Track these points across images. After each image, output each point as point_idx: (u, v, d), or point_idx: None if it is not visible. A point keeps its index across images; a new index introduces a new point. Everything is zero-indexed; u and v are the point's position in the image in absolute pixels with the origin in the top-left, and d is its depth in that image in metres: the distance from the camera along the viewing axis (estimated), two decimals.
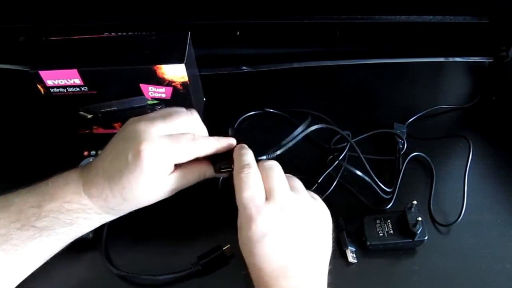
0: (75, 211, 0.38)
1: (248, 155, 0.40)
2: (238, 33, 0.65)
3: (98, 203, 0.39)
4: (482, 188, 0.51)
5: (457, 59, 0.68)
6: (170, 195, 0.42)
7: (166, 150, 0.38)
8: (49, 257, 0.40)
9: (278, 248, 0.36)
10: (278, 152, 0.46)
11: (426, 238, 0.44)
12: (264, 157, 0.43)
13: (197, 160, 0.41)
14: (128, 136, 0.39)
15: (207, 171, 0.43)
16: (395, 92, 0.64)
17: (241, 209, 0.37)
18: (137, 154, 0.37)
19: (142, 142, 0.37)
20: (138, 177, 0.38)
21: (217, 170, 0.42)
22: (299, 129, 0.50)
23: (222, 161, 0.42)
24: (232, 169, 0.41)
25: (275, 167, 0.40)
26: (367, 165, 0.50)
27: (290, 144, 0.49)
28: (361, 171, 0.49)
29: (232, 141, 0.43)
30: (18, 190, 0.39)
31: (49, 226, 0.38)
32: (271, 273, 0.35)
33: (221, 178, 0.52)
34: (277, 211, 0.36)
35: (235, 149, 0.42)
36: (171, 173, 0.40)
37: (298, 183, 0.41)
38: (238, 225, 0.38)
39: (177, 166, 0.41)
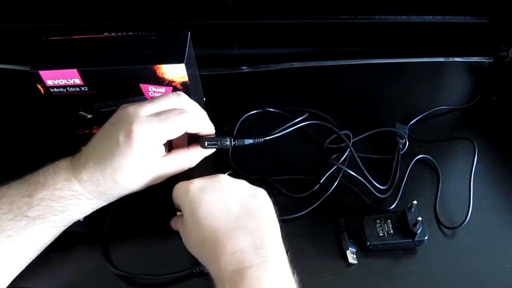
0: (66, 198, 0.39)
1: None
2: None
3: (89, 188, 0.39)
4: (482, 188, 0.51)
5: (457, 59, 0.68)
6: (160, 180, 0.43)
7: (156, 128, 0.39)
8: (44, 246, 0.40)
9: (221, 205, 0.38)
10: (266, 138, 0.47)
11: (426, 238, 0.44)
12: (251, 141, 0.46)
13: (187, 145, 0.44)
14: (117, 121, 0.40)
15: (197, 155, 0.45)
16: (395, 93, 0.63)
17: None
18: (128, 135, 0.38)
19: (132, 123, 0.38)
20: (129, 158, 0.38)
21: (203, 146, 0.43)
22: (293, 121, 0.51)
23: (208, 136, 0.44)
24: (218, 145, 0.43)
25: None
26: (360, 164, 0.50)
27: (280, 133, 0.50)
28: (358, 171, 0.49)
29: (211, 128, 0.46)
30: (9, 183, 0.40)
31: (41, 215, 0.38)
32: (224, 231, 0.36)
33: None
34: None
35: None
36: (163, 156, 0.41)
37: None
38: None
39: (169, 151, 0.42)
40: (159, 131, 0.40)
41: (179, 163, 0.43)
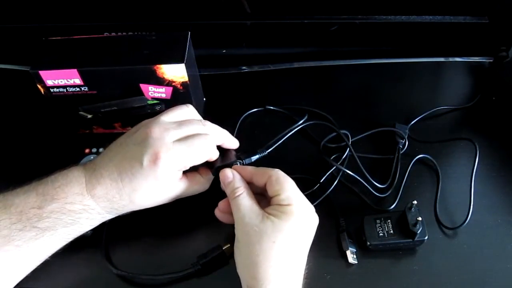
0: (77, 212, 0.38)
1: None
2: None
3: (102, 204, 0.39)
4: (482, 188, 0.51)
5: (457, 59, 0.68)
6: (172, 200, 0.43)
7: (183, 153, 0.39)
8: (50, 255, 0.40)
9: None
10: (269, 150, 0.48)
11: (426, 238, 0.44)
12: (257, 156, 0.46)
13: (203, 169, 0.44)
14: (141, 141, 0.39)
15: (210, 179, 0.45)
16: (395, 93, 0.64)
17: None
18: (154, 161, 0.38)
19: (159, 148, 0.38)
20: (150, 181, 0.38)
21: (214, 173, 0.43)
22: (293, 125, 0.51)
23: (218, 163, 0.43)
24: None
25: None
26: (359, 163, 0.50)
27: (281, 141, 0.50)
28: (357, 171, 0.49)
29: (236, 142, 0.45)
30: (16, 189, 0.39)
31: (51, 227, 0.37)
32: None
33: None
34: None
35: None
36: (179, 179, 0.41)
37: None
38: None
39: (185, 174, 0.42)
40: (185, 157, 0.40)
41: (193, 186, 0.43)
